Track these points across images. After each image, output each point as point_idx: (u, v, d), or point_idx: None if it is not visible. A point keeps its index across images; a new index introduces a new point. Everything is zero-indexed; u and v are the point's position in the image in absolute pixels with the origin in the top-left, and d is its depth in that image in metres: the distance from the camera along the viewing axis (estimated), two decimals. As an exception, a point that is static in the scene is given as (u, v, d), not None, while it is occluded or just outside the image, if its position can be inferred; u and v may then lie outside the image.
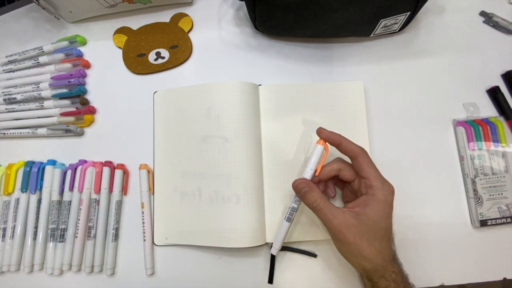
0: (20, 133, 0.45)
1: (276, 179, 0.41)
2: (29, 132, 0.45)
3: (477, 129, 0.41)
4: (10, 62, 0.48)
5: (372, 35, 0.44)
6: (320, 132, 0.35)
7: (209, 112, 0.41)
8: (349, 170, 0.35)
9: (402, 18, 0.41)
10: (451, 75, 0.44)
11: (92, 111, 0.45)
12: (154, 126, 0.44)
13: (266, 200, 0.40)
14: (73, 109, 0.45)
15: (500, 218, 0.39)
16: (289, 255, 0.40)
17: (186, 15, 0.48)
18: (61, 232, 0.41)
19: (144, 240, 0.41)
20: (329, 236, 0.34)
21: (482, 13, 0.46)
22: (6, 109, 0.46)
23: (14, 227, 0.42)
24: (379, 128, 0.43)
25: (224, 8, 0.48)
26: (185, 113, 0.42)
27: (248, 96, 0.41)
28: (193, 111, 0.42)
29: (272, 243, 0.38)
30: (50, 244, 0.41)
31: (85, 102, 0.45)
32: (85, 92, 0.46)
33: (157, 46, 0.47)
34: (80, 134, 0.45)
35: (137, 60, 0.47)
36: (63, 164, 0.44)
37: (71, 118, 0.45)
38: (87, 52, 0.48)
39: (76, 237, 0.41)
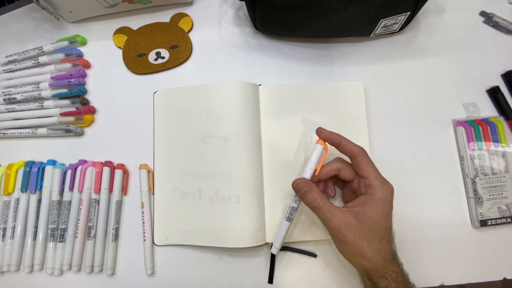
0: (20, 133, 0.45)
1: (276, 179, 0.41)
2: (29, 132, 0.45)
3: (477, 129, 0.41)
4: (10, 62, 0.48)
5: (372, 35, 0.44)
6: (320, 132, 0.35)
7: (209, 112, 0.41)
8: (349, 170, 0.35)
9: (402, 18, 0.41)
10: (451, 75, 0.44)
11: (92, 111, 0.45)
12: (154, 126, 0.44)
13: (266, 200, 0.40)
14: (73, 109, 0.45)
15: (500, 218, 0.39)
16: (289, 255, 0.40)
17: (186, 15, 0.48)
18: (61, 232, 0.41)
19: (144, 240, 0.41)
20: (329, 236, 0.34)
21: (482, 13, 0.46)
22: (6, 109, 0.46)
23: (14, 227, 0.42)
24: (379, 128, 0.43)
25: (224, 8, 0.48)
26: (185, 113, 0.42)
27: (248, 96, 0.41)
28: (193, 111, 0.42)
29: (272, 243, 0.38)
30: (50, 244, 0.41)
31: (85, 102, 0.45)
32: (85, 92, 0.46)
33: (157, 46, 0.47)
34: (80, 134, 0.45)
35: (137, 60, 0.47)
36: (63, 164, 0.44)
37: (71, 118, 0.45)
38: (87, 52, 0.48)
39: (76, 237, 0.41)
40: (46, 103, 0.45)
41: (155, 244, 0.41)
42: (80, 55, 0.48)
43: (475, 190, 0.40)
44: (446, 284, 0.39)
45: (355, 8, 0.38)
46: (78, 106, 0.45)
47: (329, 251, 0.40)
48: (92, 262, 0.40)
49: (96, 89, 0.47)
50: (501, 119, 0.42)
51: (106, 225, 0.41)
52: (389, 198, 0.32)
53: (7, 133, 0.45)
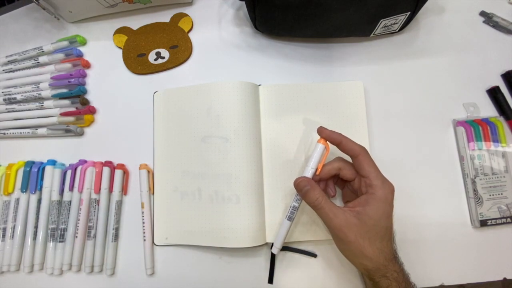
0: (20, 133, 0.45)
1: (276, 179, 0.41)
2: (29, 132, 0.45)
3: (477, 129, 0.41)
4: (10, 62, 0.48)
5: (372, 35, 0.44)
6: (321, 131, 0.35)
7: (209, 112, 0.41)
8: (350, 169, 0.35)
9: (402, 18, 0.41)
10: (451, 75, 0.45)
11: (92, 111, 0.45)
12: (154, 126, 0.44)
13: (266, 200, 0.40)
14: (73, 109, 0.45)
15: (500, 218, 0.39)
16: (289, 255, 0.40)
17: (186, 15, 0.48)
18: (61, 232, 0.41)
19: (144, 240, 0.41)
20: (330, 235, 0.34)
21: (482, 13, 0.46)
22: (6, 109, 0.46)
23: (14, 227, 0.42)
24: (379, 128, 0.43)
25: (224, 8, 0.48)
26: (185, 113, 0.42)
27: (248, 96, 0.41)
28: (193, 111, 0.42)
29: (272, 243, 0.38)
30: (50, 244, 0.41)
31: (85, 102, 0.45)
32: (85, 92, 0.46)
33: (157, 46, 0.47)
34: (80, 134, 0.45)
35: (137, 60, 0.47)
36: (63, 164, 0.44)
37: (71, 118, 0.45)
38: (87, 52, 0.48)
39: (76, 237, 0.40)
40: (46, 103, 0.45)
41: (155, 244, 0.41)
42: (80, 55, 0.47)
43: (475, 190, 0.40)
44: (446, 284, 0.39)
45: (355, 8, 0.38)
46: (78, 106, 0.45)
47: (329, 251, 0.40)
48: (92, 262, 0.40)
49: (96, 89, 0.47)
50: (501, 119, 0.42)
51: (106, 225, 0.41)
52: (390, 197, 0.32)
53: (7, 133, 0.45)
